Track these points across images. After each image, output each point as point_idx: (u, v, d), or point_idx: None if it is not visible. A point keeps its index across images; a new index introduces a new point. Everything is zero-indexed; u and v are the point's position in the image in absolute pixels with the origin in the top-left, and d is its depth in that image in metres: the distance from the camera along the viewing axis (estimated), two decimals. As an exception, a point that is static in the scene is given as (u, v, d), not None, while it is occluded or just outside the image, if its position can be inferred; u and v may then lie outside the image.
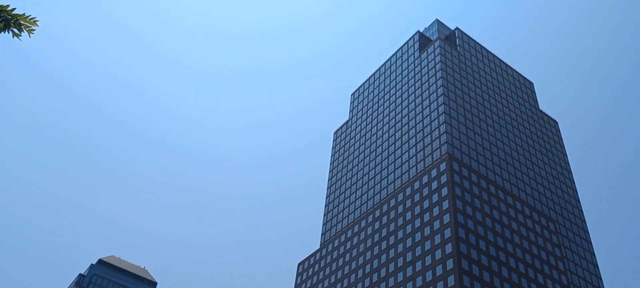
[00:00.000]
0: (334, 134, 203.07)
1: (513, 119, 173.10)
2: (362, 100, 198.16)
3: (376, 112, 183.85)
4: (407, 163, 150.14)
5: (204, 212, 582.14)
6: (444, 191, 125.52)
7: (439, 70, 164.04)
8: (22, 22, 10.96)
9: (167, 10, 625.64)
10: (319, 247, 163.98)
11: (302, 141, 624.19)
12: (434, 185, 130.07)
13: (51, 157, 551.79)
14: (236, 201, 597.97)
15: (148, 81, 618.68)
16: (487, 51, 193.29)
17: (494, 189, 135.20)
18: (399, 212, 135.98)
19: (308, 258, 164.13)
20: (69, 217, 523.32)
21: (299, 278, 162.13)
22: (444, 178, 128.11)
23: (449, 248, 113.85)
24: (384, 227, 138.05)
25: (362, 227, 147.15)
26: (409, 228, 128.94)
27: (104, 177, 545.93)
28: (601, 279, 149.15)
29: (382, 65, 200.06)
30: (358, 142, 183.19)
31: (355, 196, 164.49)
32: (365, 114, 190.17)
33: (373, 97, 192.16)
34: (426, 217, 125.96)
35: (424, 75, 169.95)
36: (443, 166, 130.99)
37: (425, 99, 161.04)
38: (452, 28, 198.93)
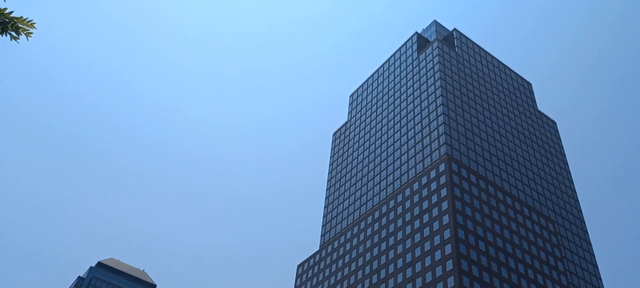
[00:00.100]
0: (333, 135, 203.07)
1: (511, 119, 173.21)
2: (361, 102, 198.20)
3: (375, 113, 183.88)
4: (406, 164, 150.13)
5: (203, 213, 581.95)
6: (443, 192, 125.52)
7: (437, 71, 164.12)
8: (20, 25, 10.87)
9: (167, 10, 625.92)
10: (318, 249, 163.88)
11: (301, 142, 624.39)
12: (433, 186, 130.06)
13: (50, 158, 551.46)
14: (235, 202, 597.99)
15: (147, 81, 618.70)
16: (486, 52, 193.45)
17: (493, 190, 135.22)
18: (398, 213, 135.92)
19: (307, 260, 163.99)
20: (68, 219, 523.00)
21: (299, 279, 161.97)
22: (443, 179, 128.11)
23: (448, 249, 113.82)
24: (383, 228, 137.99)
25: (361, 228, 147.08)
26: (408, 230, 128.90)
27: (103, 177, 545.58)
28: (601, 279, 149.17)
29: (380, 67, 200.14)
30: (357, 143, 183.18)
31: (355, 197, 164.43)
32: (364, 115, 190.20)
33: (372, 99, 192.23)
34: (425, 218, 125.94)
35: (423, 76, 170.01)
36: (442, 167, 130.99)
37: (424, 100, 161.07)
38: (450, 29, 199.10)
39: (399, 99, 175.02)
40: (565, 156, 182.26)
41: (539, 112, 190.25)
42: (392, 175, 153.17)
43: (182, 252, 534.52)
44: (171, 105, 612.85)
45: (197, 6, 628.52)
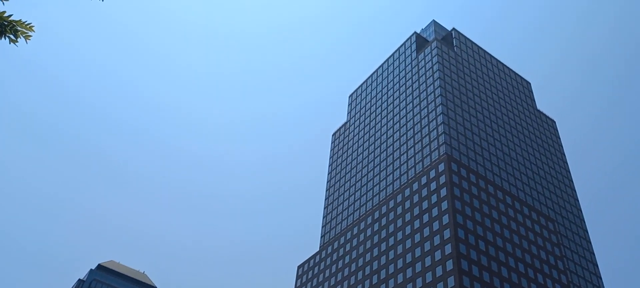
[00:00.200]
0: (333, 135, 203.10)
1: (511, 118, 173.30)
2: (360, 102, 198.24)
3: (374, 113, 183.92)
4: (405, 164, 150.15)
5: (203, 213, 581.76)
6: (443, 192, 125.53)
7: (436, 71, 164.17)
8: (19, 29, 10.86)
9: (167, 11, 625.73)
10: (318, 250, 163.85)
11: (300, 142, 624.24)
12: (433, 186, 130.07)
13: (50, 158, 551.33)
14: (234, 202, 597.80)
15: (147, 81, 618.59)
16: (484, 51, 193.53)
17: (493, 189, 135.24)
18: (398, 214, 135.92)
19: (307, 261, 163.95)
20: (68, 219, 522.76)
21: (299, 280, 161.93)
22: (442, 179, 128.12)
23: (448, 249, 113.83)
24: (383, 228, 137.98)
25: (361, 228, 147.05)
26: (408, 230, 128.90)
27: (103, 177, 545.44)
28: (601, 278, 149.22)
29: (379, 67, 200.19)
30: (356, 143, 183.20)
31: (354, 198, 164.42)
32: (363, 116, 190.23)
33: (371, 99, 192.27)
34: (425, 218, 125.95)
35: (422, 76, 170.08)
36: (441, 167, 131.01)
37: (423, 100, 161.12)
38: (449, 29, 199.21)
39: (398, 99, 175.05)
40: (564, 155, 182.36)
41: (538, 111, 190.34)
42: (391, 175, 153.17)
43: (182, 253, 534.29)
44: (171, 105, 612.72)
45: (197, 6, 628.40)
